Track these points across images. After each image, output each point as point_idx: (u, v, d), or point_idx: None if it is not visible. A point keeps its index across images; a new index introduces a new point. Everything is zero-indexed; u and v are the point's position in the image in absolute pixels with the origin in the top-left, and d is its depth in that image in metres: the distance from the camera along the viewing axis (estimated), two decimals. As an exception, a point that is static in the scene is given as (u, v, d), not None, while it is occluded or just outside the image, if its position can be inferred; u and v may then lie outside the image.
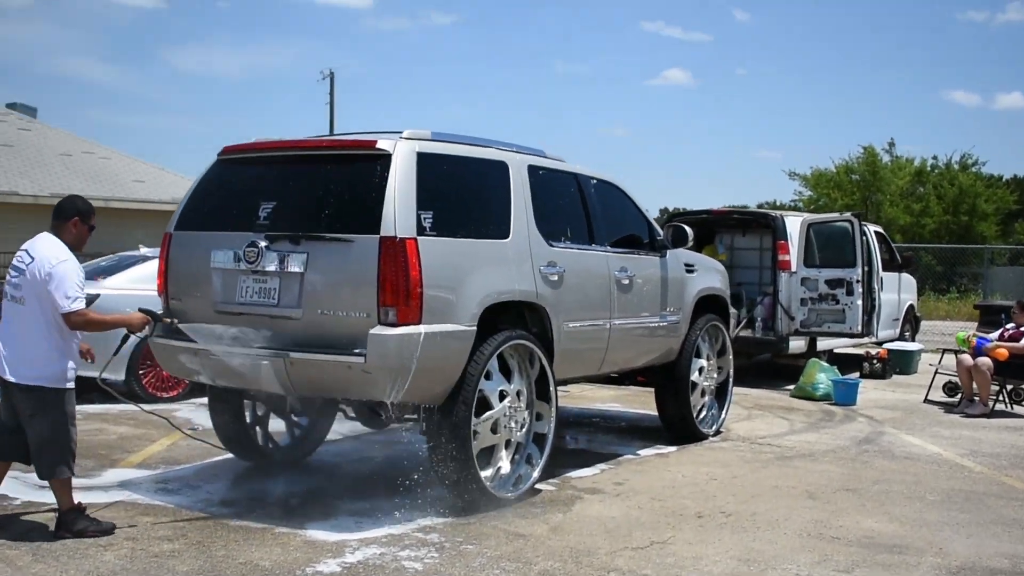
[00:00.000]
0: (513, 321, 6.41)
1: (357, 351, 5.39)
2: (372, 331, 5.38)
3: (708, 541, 5.48)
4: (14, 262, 5.40)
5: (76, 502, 5.35)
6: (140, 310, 5.68)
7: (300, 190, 5.97)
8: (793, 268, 12.32)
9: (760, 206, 34.90)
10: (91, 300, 9.46)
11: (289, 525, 5.56)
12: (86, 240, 5.47)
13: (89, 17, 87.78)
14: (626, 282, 7.36)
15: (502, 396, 6.11)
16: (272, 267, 5.72)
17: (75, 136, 26.70)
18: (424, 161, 5.78)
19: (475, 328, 5.79)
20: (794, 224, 12.46)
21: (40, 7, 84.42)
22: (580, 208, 7.15)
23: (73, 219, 5.42)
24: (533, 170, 6.70)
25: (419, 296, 5.46)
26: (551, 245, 6.56)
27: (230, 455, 7.08)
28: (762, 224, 13.06)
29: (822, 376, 11.39)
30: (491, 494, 5.98)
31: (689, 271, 8.38)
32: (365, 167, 5.69)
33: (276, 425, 7.24)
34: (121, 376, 9.28)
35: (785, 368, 12.95)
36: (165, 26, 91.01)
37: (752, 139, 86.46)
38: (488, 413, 6.01)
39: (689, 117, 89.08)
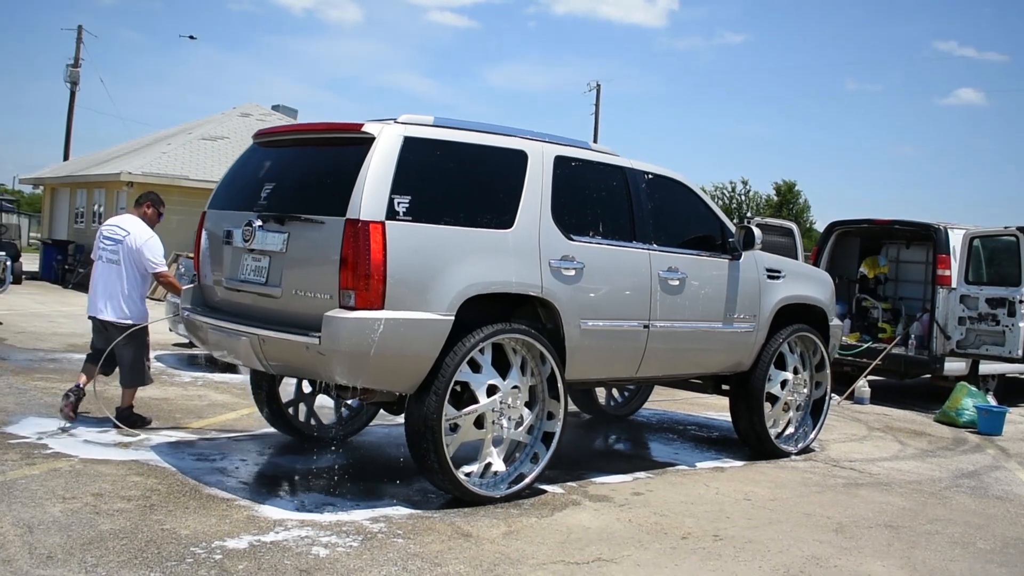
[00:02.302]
0: (528, 315, 5.93)
1: (315, 333, 5.11)
2: (328, 313, 5.06)
3: (661, 565, 4.72)
4: (107, 233, 7.08)
5: (130, 404, 7.05)
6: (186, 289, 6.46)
7: (296, 172, 5.79)
8: (953, 284, 10.77)
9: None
10: None
11: (253, 499, 5.36)
12: (156, 221, 7.27)
13: (412, 35, 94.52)
14: (675, 283, 6.59)
15: (492, 391, 5.61)
16: (263, 246, 5.57)
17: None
18: (411, 146, 5.38)
19: (452, 317, 5.32)
20: (958, 237, 10.90)
21: (370, 26, 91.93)
22: (623, 203, 6.45)
23: (146, 203, 7.26)
24: (563, 161, 6.12)
25: (381, 280, 5.08)
26: (570, 239, 5.96)
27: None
28: (926, 237, 11.52)
29: (968, 402, 9.86)
30: (468, 489, 5.50)
31: (772, 277, 7.42)
32: (351, 151, 5.37)
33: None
34: None
35: (944, 391, 11.35)
36: (479, 45, 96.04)
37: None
38: (472, 407, 5.53)
39: (980, 136, 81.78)
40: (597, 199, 6.34)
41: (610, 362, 6.40)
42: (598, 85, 47.78)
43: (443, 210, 5.43)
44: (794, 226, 12.42)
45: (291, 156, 5.90)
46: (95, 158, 27.09)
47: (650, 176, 6.70)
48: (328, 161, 5.59)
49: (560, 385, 5.91)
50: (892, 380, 12.04)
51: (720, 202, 48.93)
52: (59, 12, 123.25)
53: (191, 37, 50.71)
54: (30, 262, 24.90)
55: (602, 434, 8.38)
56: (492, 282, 5.54)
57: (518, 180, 5.84)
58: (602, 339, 6.18)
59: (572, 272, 5.93)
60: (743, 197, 48.80)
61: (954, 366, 10.97)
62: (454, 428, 5.51)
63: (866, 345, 11.41)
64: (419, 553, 4.62)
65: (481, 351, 5.56)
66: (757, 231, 6.99)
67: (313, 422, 7.06)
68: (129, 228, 7.03)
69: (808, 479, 6.90)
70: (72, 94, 38.39)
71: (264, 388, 6.73)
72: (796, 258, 12.08)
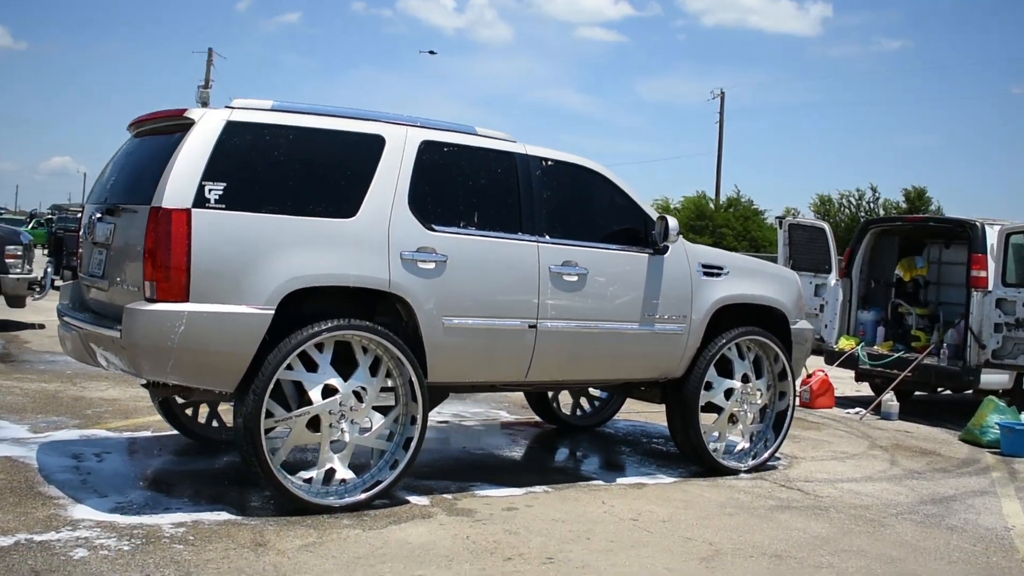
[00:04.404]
0: (391, 312, 5.62)
1: (119, 326, 4.94)
2: (128, 305, 4.89)
3: (444, 586, 4.31)
4: None
5: None
6: None
7: (134, 162, 5.65)
8: (989, 287, 9.72)
9: None
10: None
11: (77, 498, 5.21)
12: None
13: (563, 52, 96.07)
14: (572, 279, 6.11)
15: (330, 392, 5.30)
16: (101, 238, 5.48)
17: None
18: (233, 131, 5.15)
19: (271, 312, 5.04)
20: (995, 234, 9.83)
21: (521, 44, 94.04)
22: (508, 192, 6.02)
23: None
24: (431, 146, 5.77)
25: (184, 271, 4.86)
26: (432, 229, 5.60)
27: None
28: (964, 235, 10.45)
29: (994, 418, 8.84)
30: (294, 495, 5.19)
31: (710, 274, 6.81)
32: (175, 138, 5.20)
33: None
34: None
35: (986, 408, 10.28)
36: (629, 58, 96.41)
37: None
38: (302, 409, 5.24)
39: None
40: (474, 187, 5.93)
41: (487, 364, 5.96)
42: (722, 92, 47.34)
43: (267, 198, 5.16)
44: (826, 226, 11.55)
45: (139, 146, 5.78)
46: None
47: (549, 163, 6.24)
48: (156, 149, 5.43)
49: (417, 388, 5.55)
50: (922, 392, 11.01)
51: (846, 210, 46.76)
52: (209, 40, 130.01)
53: (431, 52, 50.92)
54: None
55: (544, 445, 7.91)
56: (322, 275, 5.24)
57: (368, 166, 5.52)
58: (473, 338, 5.77)
59: (432, 265, 5.56)
60: (871, 204, 46.49)
61: (994, 378, 9.87)
62: (271, 429, 5.24)
63: (897, 355, 10.44)
64: (184, 561, 4.35)
65: (320, 349, 5.27)
66: (673, 221, 6.41)
67: (216, 424, 6.90)
68: None
69: (733, 500, 6.26)
70: (202, 115, 40.44)
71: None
72: (828, 259, 11.26)
